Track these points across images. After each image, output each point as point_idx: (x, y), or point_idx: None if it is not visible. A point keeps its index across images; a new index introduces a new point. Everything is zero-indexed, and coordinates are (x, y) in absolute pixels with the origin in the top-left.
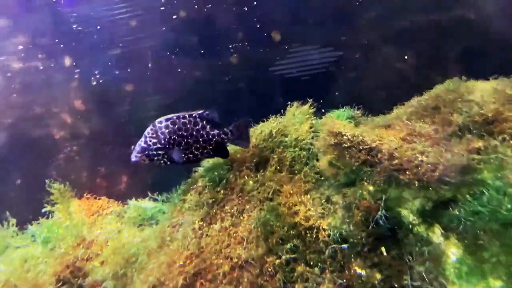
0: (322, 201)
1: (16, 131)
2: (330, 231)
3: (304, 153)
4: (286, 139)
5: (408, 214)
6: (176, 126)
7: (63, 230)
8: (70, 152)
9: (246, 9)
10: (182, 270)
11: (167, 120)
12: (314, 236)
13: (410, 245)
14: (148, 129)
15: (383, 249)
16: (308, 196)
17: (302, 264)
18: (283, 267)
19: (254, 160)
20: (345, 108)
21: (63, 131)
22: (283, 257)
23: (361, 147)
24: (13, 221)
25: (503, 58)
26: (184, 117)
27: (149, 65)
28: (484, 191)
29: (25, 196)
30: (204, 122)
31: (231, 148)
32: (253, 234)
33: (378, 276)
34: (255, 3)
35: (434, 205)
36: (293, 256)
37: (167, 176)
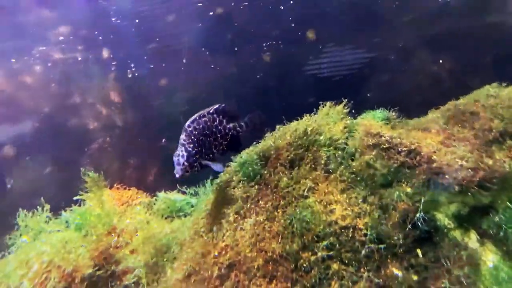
0: (359, 201)
1: (53, 120)
2: (367, 230)
3: (339, 152)
4: (321, 138)
5: (443, 218)
6: (201, 126)
7: (95, 218)
8: (103, 142)
9: (282, 8)
10: (217, 261)
11: (192, 122)
12: (350, 235)
13: (447, 249)
14: (183, 136)
15: (419, 251)
16: (344, 195)
17: (338, 262)
18: (319, 263)
19: (289, 157)
20: (381, 109)
21: (97, 122)
22: (319, 254)
23: (399, 149)
24: (47, 206)
25: None
26: (204, 116)
27: (184, 60)
28: None
29: (59, 183)
30: (221, 116)
31: (263, 144)
32: (288, 229)
33: (415, 277)
34: (291, 2)
35: (470, 210)
36: (329, 253)
37: None
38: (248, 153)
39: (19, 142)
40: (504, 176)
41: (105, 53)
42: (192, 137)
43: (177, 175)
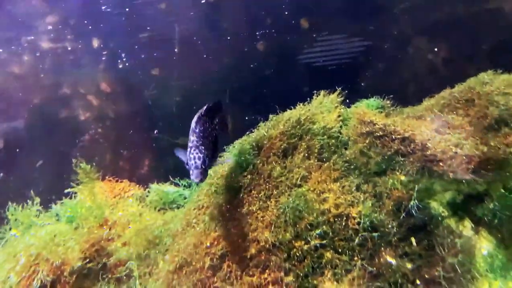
0: (352, 189)
1: (43, 111)
2: (360, 219)
3: (333, 141)
4: (314, 126)
5: (438, 206)
6: (203, 127)
7: (86, 211)
8: (95, 134)
9: None
10: (209, 251)
11: (197, 123)
12: (344, 223)
13: (441, 237)
14: (194, 138)
15: (413, 239)
16: (338, 184)
17: (331, 251)
18: (312, 252)
19: (282, 146)
20: (375, 98)
21: (89, 112)
22: (312, 242)
23: (393, 137)
24: (37, 200)
25: None
26: (200, 118)
27: (176, 49)
28: None
29: (49, 176)
30: (207, 117)
31: (257, 133)
32: (281, 218)
33: (409, 265)
34: None
35: (465, 198)
36: (322, 242)
37: None
38: (242, 143)
39: (8, 135)
40: (499, 163)
41: (95, 43)
42: (202, 139)
43: (197, 180)
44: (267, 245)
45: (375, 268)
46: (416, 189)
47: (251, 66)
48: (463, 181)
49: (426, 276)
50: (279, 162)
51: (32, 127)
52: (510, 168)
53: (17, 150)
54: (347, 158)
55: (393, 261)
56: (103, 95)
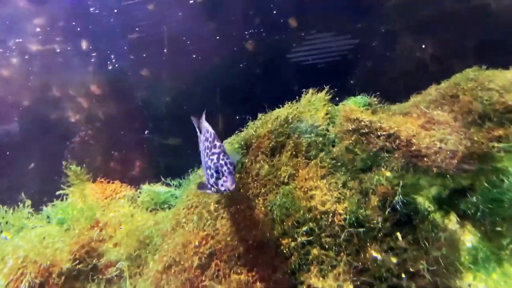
0: (338, 186)
1: (33, 114)
2: (346, 215)
3: (320, 139)
4: (302, 125)
5: (424, 201)
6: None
7: (77, 212)
8: (85, 135)
9: None
10: (197, 251)
11: (212, 129)
12: (330, 220)
13: (426, 231)
14: (217, 143)
15: (398, 234)
16: (324, 181)
17: (318, 247)
18: (299, 249)
19: (270, 145)
20: (362, 95)
21: (79, 114)
22: (299, 239)
23: (379, 133)
24: (28, 202)
25: None
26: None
27: (165, 50)
28: (504, 179)
29: (41, 178)
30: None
31: (245, 133)
32: (268, 216)
33: (394, 260)
34: None
35: (450, 193)
36: (309, 239)
37: (180, 162)
38: (231, 143)
39: None
40: (482, 158)
41: (84, 45)
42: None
43: (232, 187)
44: (255, 243)
45: (360, 263)
46: (401, 184)
47: (241, 65)
48: (448, 176)
49: (411, 269)
50: (267, 160)
51: (23, 129)
52: (493, 162)
53: (8, 153)
54: (334, 155)
55: (379, 256)
56: (93, 96)
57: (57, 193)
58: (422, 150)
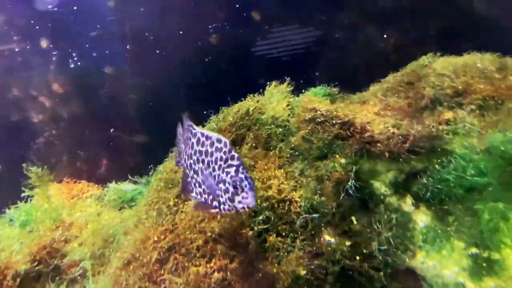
0: (296, 175)
1: None
2: (302, 202)
3: (280, 130)
4: (263, 116)
5: (380, 186)
6: None
7: (42, 214)
8: (50, 136)
9: None
10: (156, 246)
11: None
12: (286, 208)
13: (379, 214)
14: (238, 163)
15: (353, 218)
16: (282, 170)
17: (274, 235)
18: (255, 238)
19: (231, 138)
20: (322, 86)
21: (42, 115)
22: (255, 228)
23: (334, 122)
24: None
25: (482, 36)
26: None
27: (128, 46)
28: (452, 159)
29: (4, 181)
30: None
31: (207, 127)
32: None
33: (348, 242)
34: None
35: (407, 177)
36: (265, 227)
37: (148, 159)
38: None
39: None
40: (432, 140)
41: (44, 43)
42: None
43: (253, 205)
44: (214, 235)
45: (314, 248)
46: (354, 170)
47: (206, 60)
48: (401, 160)
49: (364, 251)
50: None
51: None
52: (443, 144)
53: None
54: (293, 145)
55: (332, 240)
56: (56, 96)
57: (22, 195)
58: (375, 136)
